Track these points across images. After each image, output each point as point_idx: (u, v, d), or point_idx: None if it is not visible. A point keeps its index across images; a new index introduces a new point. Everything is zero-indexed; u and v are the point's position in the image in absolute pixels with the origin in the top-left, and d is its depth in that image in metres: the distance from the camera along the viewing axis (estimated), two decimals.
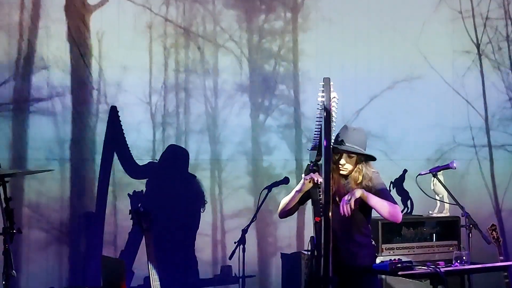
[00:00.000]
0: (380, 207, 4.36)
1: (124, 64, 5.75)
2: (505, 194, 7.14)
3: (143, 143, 5.81)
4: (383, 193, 4.44)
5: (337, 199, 4.26)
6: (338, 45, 6.52)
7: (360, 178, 4.43)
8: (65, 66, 5.63)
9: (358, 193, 4.29)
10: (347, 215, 4.19)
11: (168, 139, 5.92)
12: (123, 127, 5.58)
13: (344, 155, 4.41)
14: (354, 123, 4.57)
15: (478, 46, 7.10)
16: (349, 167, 4.44)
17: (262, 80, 6.45)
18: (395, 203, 4.45)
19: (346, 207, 4.19)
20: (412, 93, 6.79)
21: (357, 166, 4.44)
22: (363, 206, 4.39)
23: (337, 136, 4.36)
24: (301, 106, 6.55)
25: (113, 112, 5.53)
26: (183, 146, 5.97)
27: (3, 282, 3.99)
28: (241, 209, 6.08)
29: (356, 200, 4.28)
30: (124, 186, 5.60)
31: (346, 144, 4.38)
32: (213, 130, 6.20)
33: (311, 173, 4.12)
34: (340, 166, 4.41)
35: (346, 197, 4.23)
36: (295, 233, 5.82)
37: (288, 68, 6.57)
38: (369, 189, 4.41)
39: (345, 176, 4.47)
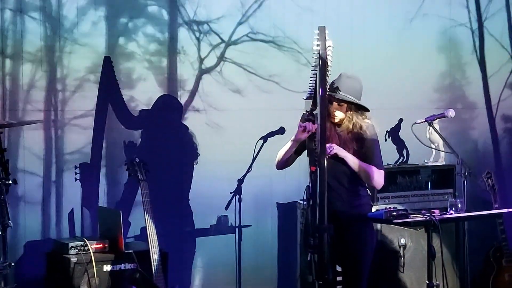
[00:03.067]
0: (359, 171, 4.40)
1: None
2: None
3: None
4: (372, 151, 4.44)
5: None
6: None
7: (351, 126, 4.44)
8: None
9: (337, 151, 4.33)
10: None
11: None
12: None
13: (335, 103, 4.41)
14: (350, 72, 4.52)
15: None
16: (339, 115, 4.44)
17: None
18: (380, 166, 4.45)
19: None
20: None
21: (347, 114, 4.44)
22: (355, 156, 4.41)
23: (332, 84, 4.35)
24: (179, 31, 5.92)
25: (107, 62, 5.48)
26: None
27: (0, 232, 4.01)
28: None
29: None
30: (118, 137, 5.58)
31: (339, 92, 4.37)
32: (51, 56, 5.43)
33: (306, 122, 4.12)
34: (331, 113, 4.41)
35: (330, 152, 4.26)
36: (290, 182, 5.82)
37: None
38: (360, 139, 4.42)
39: (338, 125, 4.47)
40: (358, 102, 4.44)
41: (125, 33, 5.72)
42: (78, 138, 5.53)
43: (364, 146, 4.43)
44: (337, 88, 4.38)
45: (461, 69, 7.05)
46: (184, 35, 5.90)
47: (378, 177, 4.45)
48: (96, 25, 5.56)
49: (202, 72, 5.96)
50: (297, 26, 6.20)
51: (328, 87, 4.03)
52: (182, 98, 5.89)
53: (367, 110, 4.52)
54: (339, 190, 4.44)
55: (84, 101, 5.53)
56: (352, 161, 4.39)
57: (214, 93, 5.98)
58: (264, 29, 6.15)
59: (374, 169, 4.42)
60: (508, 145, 7.19)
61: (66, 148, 5.50)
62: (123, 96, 5.55)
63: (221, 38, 6.03)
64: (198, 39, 5.95)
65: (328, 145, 4.24)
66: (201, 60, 5.96)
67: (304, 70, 6.04)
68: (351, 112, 4.45)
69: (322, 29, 3.89)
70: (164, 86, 5.83)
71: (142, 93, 5.73)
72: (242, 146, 5.69)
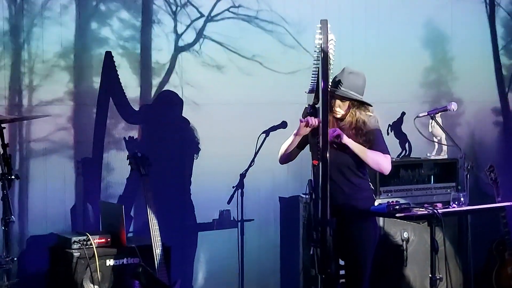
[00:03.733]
0: (365, 156, 4.37)
1: None
2: None
3: None
4: (375, 139, 4.43)
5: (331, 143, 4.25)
6: None
7: (354, 122, 4.42)
8: None
9: (341, 134, 4.30)
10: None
11: None
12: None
13: (337, 99, 4.39)
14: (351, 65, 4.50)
15: None
16: (341, 111, 4.43)
17: None
18: (386, 151, 4.44)
19: (330, 137, 4.19)
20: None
21: (351, 110, 4.43)
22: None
23: (334, 78, 4.34)
24: (154, 16, 5.73)
25: (108, 57, 5.47)
26: None
27: (2, 228, 4.02)
28: None
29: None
30: (120, 131, 5.57)
31: (341, 88, 4.36)
32: (16, 39, 5.21)
33: (308, 117, 4.11)
34: (333, 109, 4.40)
35: (332, 131, 4.22)
36: (293, 176, 5.82)
37: None
38: (363, 134, 4.41)
39: (341, 119, 4.46)
40: (361, 98, 4.43)
41: (98, 17, 5.54)
42: (45, 127, 5.31)
43: (367, 138, 4.42)
44: (340, 83, 4.36)
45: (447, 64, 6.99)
46: (159, 8, 5.70)
47: (384, 161, 4.42)
48: (66, 9, 5.38)
49: (179, 49, 5.81)
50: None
51: (330, 82, 4.02)
52: (156, 79, 5.73)
53: (370, 106, 4.50)
54: (341, 184, 4.43)
55: (53, 88, 5.35)
56: (357, 147, 4.35)
57: (192, 72, 5.81)
58: (247, 2, 5.98)
59: (379, 153, 4.40)
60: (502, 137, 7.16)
61: (32, 135, 5.33)
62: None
63: (200, 12, 5.87)
64: (174, 13, 5.75)
65: (331, 129, 4.23)
66: (178, 36, 5.79)
67: (290, 52, 6.06)
68: (354, 108, 4.44)
69: (324, 22, 3.89)
70: (137, 72, 5.67)
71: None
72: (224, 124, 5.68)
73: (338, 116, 4.45)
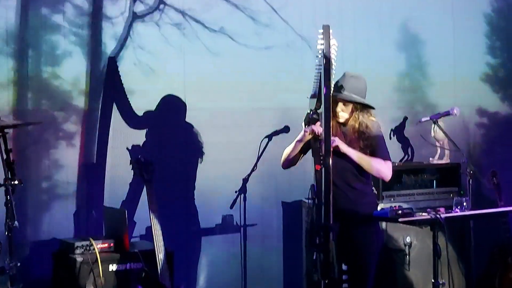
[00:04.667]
0: (365, 164, 4.39)
1: None
2: None
3: None
4: (377, 145, 4.44)
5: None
6: None
7: (357, 126, 4.44)
8: None
9: (339, 143, 4.31)
10: None
11: None
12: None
13: (340, 103, 4.41)
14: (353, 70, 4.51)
15: None
16: (345, 115, 4.44)
17: None
18: (387, 158, 4.45)
19: None
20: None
21: (354, 114, 4.44)
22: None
23: (336, 83, 4.35)
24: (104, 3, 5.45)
25: (112, 63, 5.49)
26: None
27: (6, 233, 4.02)
28: None
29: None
30: (124, 137, 5.58)
31: (344, 92, 4.37)
32: None
33: (312, 125, 4.12)
34: (337, 113, 4.41)
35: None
36: (295, 181, 5.82)
37: None
38: (366, 138, 4.42)
39: (344, 124, 4.47)
40: (363, 101, 4.44)
41: (48, 2, 5.28)
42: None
43: (369, 143, 4.43)
44: (342, 87, 4.38)
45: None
46: None
47: (385, 168, 4.43)
48: None
49: (134, 17, 5.58)
50: None
51: (332, 87, 4.03)
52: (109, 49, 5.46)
53: (373, 108, 4.52)
54: (344, 189, 4.43)
55: None
56: (356, 155, 4.38)
57: (149, 43, 5.60)
58: None
59: (379, 160, 4.41)
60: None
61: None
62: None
63: None
64: None
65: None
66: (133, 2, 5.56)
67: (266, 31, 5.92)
68: (357, 112, 4.45)
69: (326, 28, 3.89)
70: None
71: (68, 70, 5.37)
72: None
73: (341, 120, 4.47)
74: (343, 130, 4.47)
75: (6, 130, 4.09)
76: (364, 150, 4.43)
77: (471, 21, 6.90)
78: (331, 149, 4.18)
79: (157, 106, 5.71)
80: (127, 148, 5.45)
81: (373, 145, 4.42)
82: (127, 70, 5.53)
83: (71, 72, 5.41)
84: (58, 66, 5.38)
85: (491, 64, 7.04)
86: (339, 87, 4.37)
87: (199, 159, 5.81)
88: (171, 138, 5.77)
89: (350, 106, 4.44)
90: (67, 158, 5.43)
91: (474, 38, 6.94)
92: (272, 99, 6.05)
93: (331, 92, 4.07)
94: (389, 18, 6.56)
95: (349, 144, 4.42)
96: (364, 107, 4.47)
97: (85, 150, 5.44)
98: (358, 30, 6.37)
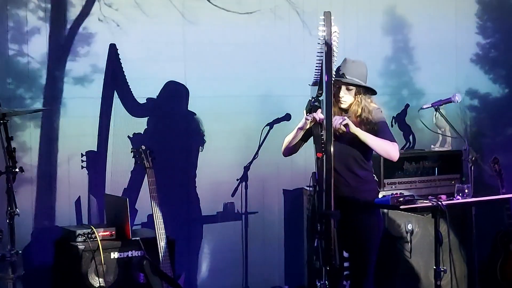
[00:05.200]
0: (373, 143, 4.37)
1: None
2: None
3: None
4: (381, 129, 4.43)
5: (337, 133, 4.25)
6: None
7: (360, 110, 4.44)
8: None
9: (349, 123, 4.28)
10: (337, 128, 4.20)
11: None
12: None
13: (343, 87, 4.41)
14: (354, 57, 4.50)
15: None
16: (348, 99, 4.44)
17: None
18: (393, 140, 4.45)
19: (338, 124, 4.21)
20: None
21: (356, 98, 4.44)
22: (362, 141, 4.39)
23: (337, 69, 4.35)
24: None
25: (112, 50, 5.47)
26: None
27: (7, 221, 4.03)
28: None
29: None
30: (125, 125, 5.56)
31: (346, 76, 4.37)
32: None
33: (313, 113, 4.11)
34: (339, 99, 4.41)
35: (340, 119, 4.23)
36: (297, 169, 5.81)
37: None
38: (368, 123, 4.42)
39: (345, 110, 4.47)
40: (366, 85, 4.45)
41: None
42: None
43: (371, 128, 4.42)
44: (344, 73, 4.38)
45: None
46: None
47: (392, 148, 4.42)
48: None
49: None
50: None
51: (334, 73, 4.02)
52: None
53: (375, 93, 4.52)
54: (346, 176, 4.43)
55: None
56: (364, 135, 4.35)
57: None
58: None
59: (387, 141, 4.41)
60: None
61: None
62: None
63: None
64: None
65: (339, 117, 4.24)
66: None
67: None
68: (360, 96, 4.45)
69: (327, 14, 3.87)
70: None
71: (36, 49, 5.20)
72: None
73: (344, 106, 4.46)
74: (345, 116, 4.47)
75: (6, 118, 4.09)
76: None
77: (461, 1, 6.82)
78: (340, 128, 4.18)
79: (159, 93, 5.69)
80: (129, 136, 5.45)
81: (376, 130, 4.42)
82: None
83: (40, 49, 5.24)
84: (25, 44, 5.21)
85: (481, 45, 6.97)
86: (341, 74, 4.37)
87: (201, 147, 5.80)
88: (172, 126, 5.76)
89: (353, 91, 4.45)
90: None
91: (464, 18, 6.83)
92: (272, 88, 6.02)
93: (333, 77, 4.07)
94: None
95: None
96: (366, 92, 4.48)
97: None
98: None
